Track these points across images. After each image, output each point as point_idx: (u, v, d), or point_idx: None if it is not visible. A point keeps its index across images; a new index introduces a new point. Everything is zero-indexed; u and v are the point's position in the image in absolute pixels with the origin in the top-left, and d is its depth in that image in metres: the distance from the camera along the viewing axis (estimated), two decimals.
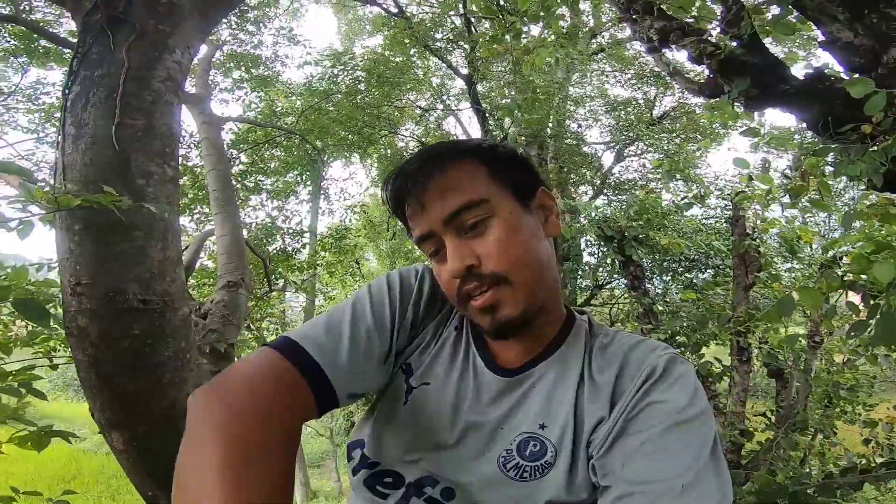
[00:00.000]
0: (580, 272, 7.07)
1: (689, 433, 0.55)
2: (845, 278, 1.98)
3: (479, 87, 6.99)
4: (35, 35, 4.38)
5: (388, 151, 8.52)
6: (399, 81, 6.65)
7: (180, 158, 2.13)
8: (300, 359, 0.58)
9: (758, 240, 3.68)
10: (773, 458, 3.15)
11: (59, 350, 2.22)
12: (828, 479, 2.69)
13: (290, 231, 5.83)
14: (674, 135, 7.43)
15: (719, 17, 1.52)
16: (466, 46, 6.54)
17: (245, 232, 4.00)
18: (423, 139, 8.62)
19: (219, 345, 1.99)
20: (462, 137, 11.20)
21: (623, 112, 8.11)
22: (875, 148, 1.54)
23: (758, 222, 3.70)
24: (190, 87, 3.56)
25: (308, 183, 6.96)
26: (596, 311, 7.65)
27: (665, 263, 6.93)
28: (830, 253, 3.74)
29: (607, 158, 9.28)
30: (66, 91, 1.20)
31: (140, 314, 1.18)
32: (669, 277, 7.36)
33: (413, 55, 7.00)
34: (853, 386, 4.13)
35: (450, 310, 0.71)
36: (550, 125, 7.41)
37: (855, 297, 2.08)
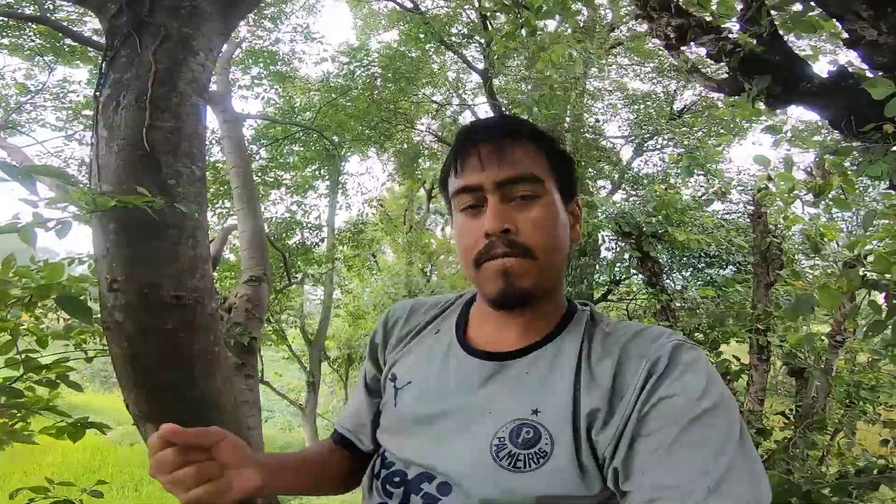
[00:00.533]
0: (598, 267, 7.03)
1: (708, 427, 0.52)
2: (866, 277, 1.95)
3: (496, 82, 6.96)
4: (60, 34, 4.51)
5: (405, 146, 8.56)
6: (415, 77, 6.67)
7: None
8: (334, 434, 0.83)
9: (780, 237, 3.62)
10: (790, 458, 3.12)
11: (88, 343, 2.32)
12: (842, 479, 2.66)
13: (309, 225, 5.93)
14: (695, 129, 7.30)
15: (739, 14, 1.50)
16: (482, 41, 6.52)
17: (265, 226, 4.09)
18: (440, 133, 8.64)
19: (242, 338, 2.06)
20: None
21: (642, 106, 7.99)
22: (892, 148, 1.52)
23: (780, 219, 3.63)
24: (211, 84, 3.64)
25: (326, 178, 7.05)
26: (613, 307, 7.60)
27: (685, 259, 6.85)
28: (855, 251, 3.64)
29: (626, 153, 9.17)
30: (97, 93, 1.24)
31: (173, 309, 1.24)
32: (689, 273, 7.27)
33: (429, 50, 7.00)
34: (874, 386, 4.05)
35: (427, 321, 0.77)
36: (568, 119, 7.35)
37: (878, 297, 2.05)
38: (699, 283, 6.92)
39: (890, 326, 1.76)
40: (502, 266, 0.62)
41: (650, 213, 3.85)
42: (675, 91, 8.18)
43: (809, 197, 2.49)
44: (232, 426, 1.40)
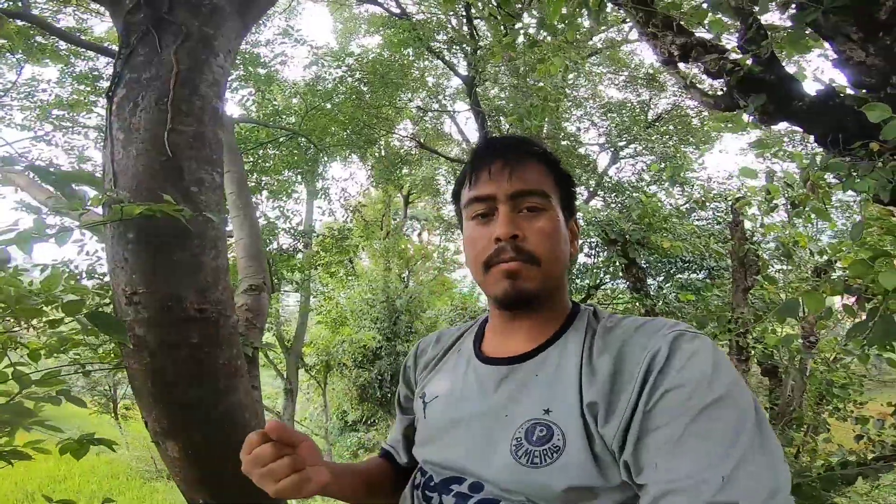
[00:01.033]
0: (576, 272, 7.17)
1: (718, 417, 0.52)
2: (847, 283, 2.07)
3: (479, 90, 7.03)
4: (32, 31, 4.30)
5: (384, 152, 8.53)
6: (402, 82, 6.68)
7: None
8: (381, 449, 0.93)
9: (757, 244, 3.80)
10: None
11: (80, 356, 2.21)
12: (830, 472, 2.80)
13: (291, 231, 5.82)
14: (667, 137, 7.55)
15: (738, 34, 1.59)
16: (468, 48, 6.58)
17: None
18: (421, 139, 8.65)
19: (245, 349, 2.01)
20: (458, 138, 11.23)
21: (618, 114, 8.22)
22: (880, 164, 1.63)
23: (757, 227, 3.82)
24: None
25: (309, 182, 6.93)
26: None
27: (660, 265, 7.06)
28: (825, 258, 3.88)
29: (602, 160, 9.41)
30: (111, 94, 1.17)
31: (197, 323, 1.21)
32: (662, 277, 7.49)
33: (409, 55, 7.01)
34: (845, 384, 4.27)
35: (451, 344, 0.84)
36: (546, 127, 7.49)
37: (848, 300, 2.16)
38: (671, 286, 7.15)
39: (870, 328, 1.88)
40: (509, 268, 0.67)
41: (635, 220, 3.97)
42: (649, 100, 8.46)
43: (789, 207, 2.64)
44: None
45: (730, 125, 1.99)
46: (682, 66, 1.98)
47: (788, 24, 1.55)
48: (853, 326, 2.03)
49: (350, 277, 9.48)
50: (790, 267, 4.46)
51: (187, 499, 1.33)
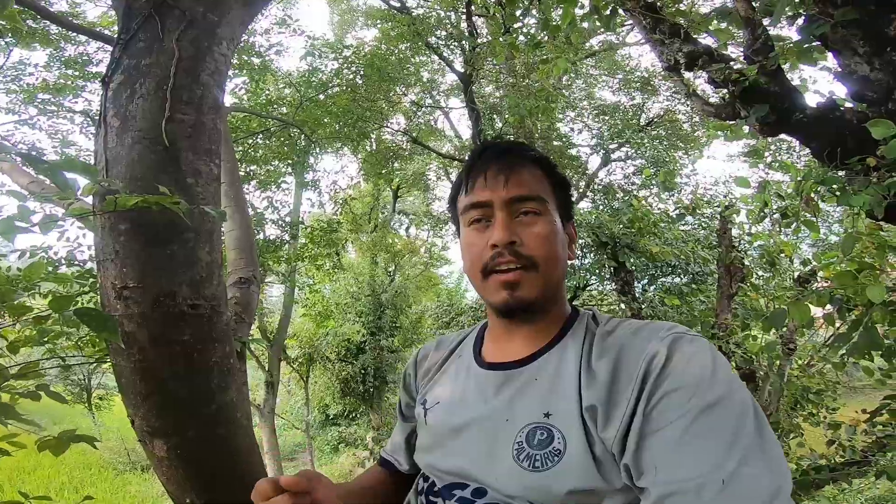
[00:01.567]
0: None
1: (717, 418, 0.52)
2: (833, 294, 2.10)
3: (473, 87, 7.00)
4: (23, 14, 4.16)
5: (376, 145, 8.45)
6: (399, 76, 6.62)
7: None
8: (379, 458, 0.92)
9: (743, 252, 3.86)
10: None
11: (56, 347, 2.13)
12: (804, 476, 2.87)
13: (279, 221, 5.73)
14: (657, 141, 7.64)
15: (745, 45, 1.59)
16: (466, 45, 6.54)
17: None
18: (414, 134, 8.59)
19: (234, 343, 1.96)
20: (450, 134, 11.18)
21: (610, 117, 8.28)
22: (876, 180, 1.65)
23: (744, 235, 3.88)
24: None
25: (299, 173, 6.83)
26: None
27: (644, 267, 7.15)
28: (808, 268, 3.98)
29: (593, 162, 9.47)
30: (107, 79, 1.12)
31: (190, 318, 1.16)
32: (646, 280, 7.59)
33: (406, 50, 6.94)
34: (820, 390, 4.39)
35: (451, 351, 0.84)
36: (540, 127, 7.50)
37: (828, 309, 2.21)
38: (655, 289, 7.25)
39: (854, 339, 1.91)
40: (507, 279, 0.67)
41: (625, 224, 4.00)
42: (642, 104, 8.53)
43: (777, 216, 2.68)
44: (246, 440, 1.34)
45: (728, 133, 2.00)
46: (685, 74, 1.98)
47: (795, 35, 1.56)
48: (837, 336, 2.07)
49: (336, 270, 9.39)
50: (773, 275, 4.57)
51: (173, 499, 1.28)
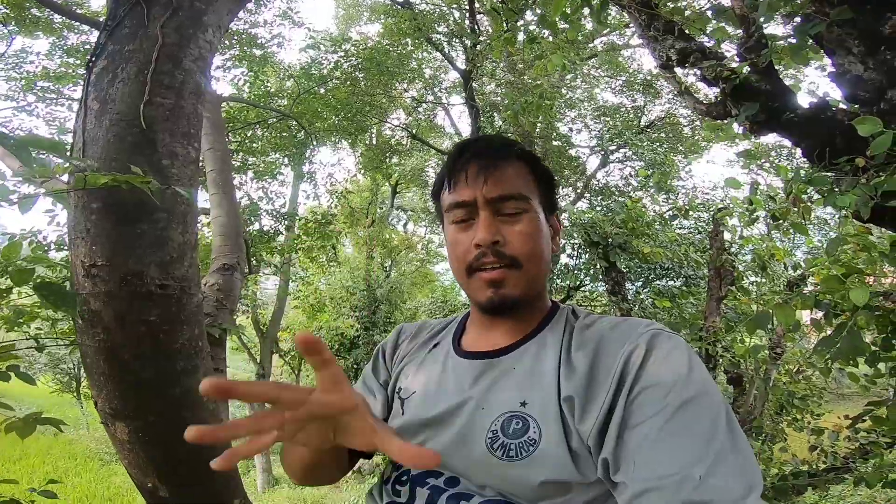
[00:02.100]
0: (558, 272, 7.22)
1: (694, 415, 0.52)
2: (818, 298, 2.09)
3: (474, 84, 6.98)
4: (28, 3, 4.18)
5: (375, 140, 8.42)
6: (398, 71, 6.61)
7: None
8: None
9: (734, 255, 3.87)
10: None
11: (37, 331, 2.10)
12: (782, 481, 2.87)
13: (274, 212, 5.71)
14: (656, 145, 7.64)
15: (738, 42, 1.57)
16: (468, 42, 6.53)
17: None
18: (413, 130, 8.57)
19: (212, 329, 1.94)
20: (450, 131, 11.16)
21: (611, 118, 8.26)
22: (864, 181, 1.64)
23: (736, 238, 3.88)
24: None
25: (294, 165, 6.81)
26: None
27: (639, 271, 7.15)
28: (798, 272, 3.98)
29: (592, 162, 9.46)
30: (90, 63, 1.14)
31: (158, 299, 1.15)
32: (641, 283, 7.60)
33: (408, 45, 6.92)
34: (805, 395, 4.40)
35: (430, 337, 0.82)
36: (539, 126, 7.49)
37: (816, 314, 2.20)
38: (649, 292, 7.25)
39: (837, 343, 1.91)
40: (491, 277, 0.68)
41: (618, 224, 3.99)
42: (643, 105, 8.52)
43: (769, 220, 2.66)
44: (214, 421, 1.32)
45: (720, 133, 1.98)
46: (679, 71, 1.96)
47: (789, 34, 1.54)
48: (821, 340, 2.06)
49: (332, 264, 9.36)
50: (764, 280, 4.57)
51: (135, 482, 1.27)
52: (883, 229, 1.89)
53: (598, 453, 0.56)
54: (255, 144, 6.03)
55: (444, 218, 0.75)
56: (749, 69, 1.59)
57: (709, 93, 2.03)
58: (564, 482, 0.57)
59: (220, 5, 1.24)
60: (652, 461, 0.51)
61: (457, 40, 7.10)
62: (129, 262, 1.11)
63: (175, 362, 1.20)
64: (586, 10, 1.80)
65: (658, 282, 7.42)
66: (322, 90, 6.19)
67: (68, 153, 1.11)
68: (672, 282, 7.16)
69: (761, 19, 1.42)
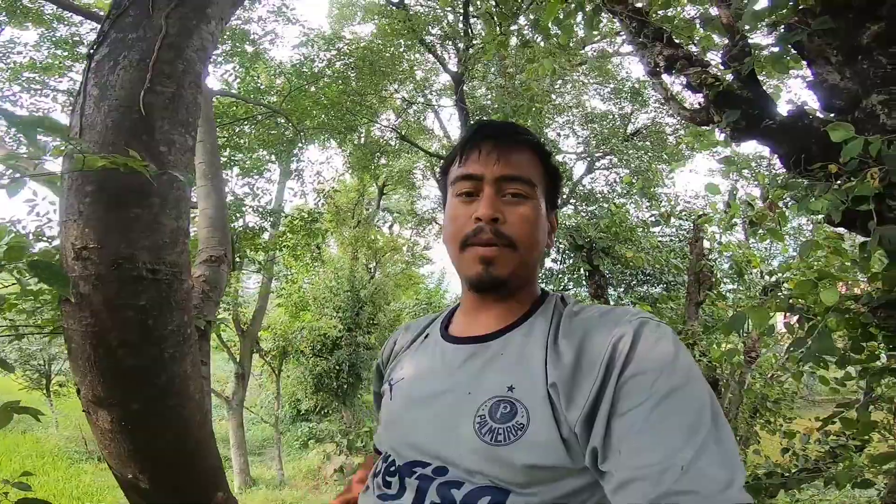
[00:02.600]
0: (542, 276, 7.29)
1: (679, 404, 0.53)
2: (791, 301, 2.16)
3: (465, 87, 7.02)
4: None
5: (364, 140, 8.40)
6: (390, 71, 6.61)
7: None
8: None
9: (713, 261, 3.97)
10: None
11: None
12: (755, 482, 2.95)
13: (259, 209, 5.64)
14: (642, 153, 7.78)
15: (723, 50, 1.63)
16: (461, 44, 6.57)
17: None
18: (402, 131, 8.57)
19: (198, 322, 1.92)
20: (439, 133, 11.19)
21: (598, 125, 8.39)
22: (836, 186, 1.72)
23: (715, 244, 3.99)
24: None
25: (283, 163, 6.75)
26: None
27: (620, 276, 7.27)
28: (773, 278, 4.11)
29: (578, 168, 9.58)
30: (92, 51, 1.14)
31: (148, 284, 1.14)
32: (623, 289, 7.72)
33: (401, 46, 6.94)
34: (778, 399, 4.53)
35: (420, 332, 0.84)
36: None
37: (790, 319, 2.28)
38: (630, 297, 7.37)
39: (809, 344, 1.98)
40: (484, 254, 0.68)
41: (602, 229, 4.06)
42: (630, 113, 8.67)
43: (748, 226, 2.75)
44: (197, 414, 1.31)
45: (702, 139, 2.05)
46: (666, 79, 2.02)
47: (772, 43, 1.60)
48: (793, 342, 2.13)
49: (316, 263, 9.28)
50: (741, 286, 4.70)
51: (115, 474, 1.25)
52: (855, 235, 1.98)
53: (586, 442, 0.56)
54: (241, 140, 5.98)
55: (449, 190, 0.76)
56: (732, 77, 1.65)
57: (693, 100, 2.10)
58: (553, 467, 0.57)
59: None
60: (637, 450, 0.52)
61: (449, 43, 7.14)
62: (121, 246, 1.10)
63: (162, 348, 1.19)
64: (578, 17, 1.85)
65: (640, 287, 7.54)
66: (313, 88, 6.16)
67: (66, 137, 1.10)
68: (653, 288, 7.29)
69: (746, 28, 1.48)
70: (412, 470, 0.66)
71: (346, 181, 12.71)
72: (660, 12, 1.78)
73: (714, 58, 1.76)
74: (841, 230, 1.90)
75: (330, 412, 12.20)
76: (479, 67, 6.50)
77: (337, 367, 11.48)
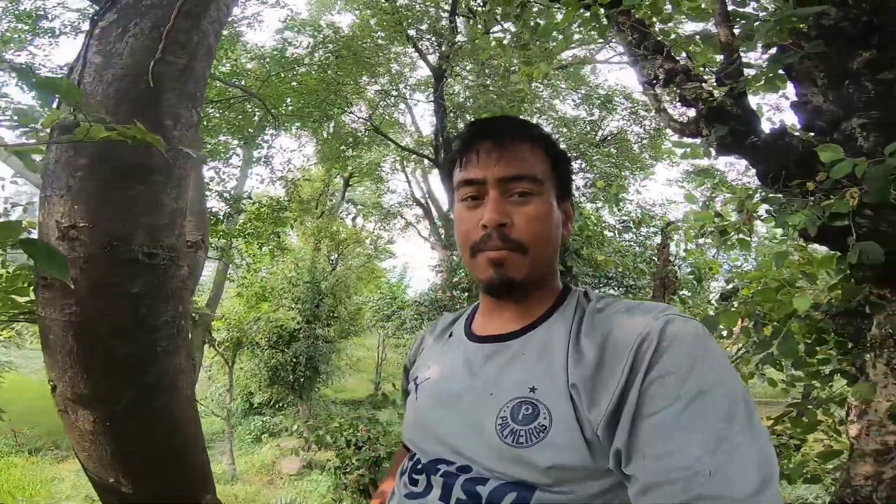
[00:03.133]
0: None
1: (709, 406, 0.51)
2: (749, 307, 2.30)
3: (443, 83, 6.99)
4: None
5: (335, 130, 8.21)
6: (374, 62, 6.47)
7: None
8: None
9: (678, 267, 4.16)
10: None
11: None
12: None
13: (223, 194, 5.39)
14: (610, 158, 8.03)
15: (718, 67, 1.70)
16: (445, 40, 6.51)
17: None
18: (376, 123, 8.43)
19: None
20: (411, 129, 11.09)
21: (568, 129, 8.58)
22: (811, 203, 1.84)
23: (681, 251, 4.18)
24: None
25: (248, 148, 6.47)
26: None
27: (585, 279, 7.49)
28: (731, 285, 4.36)
29: None
30: (96, 17, 1.05)
31: (144, 269, 1.06)
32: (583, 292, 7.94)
33: (383, 37, 6.80)
34: None
35: (445, 328, 0.83)
36: None
37: (744, 324, 2.41)
38: None
39: (774, 346, 2.11)
40: (495, 257, 0.66)
41: (576, 232, 4.16)
42: (600, 120, 8.90)
43: (717, 234, 2.89)
44: (188, 413, 1.23)
45: (689, 150, 2.13)
46: (659, 90, 2.08)
47: (763, 62, 1.68)
48: (759, 343, 2.26)
49: (277, 252, 8.96)
50: (699, 291, 4.95)
51: (92, 478, 1.14)
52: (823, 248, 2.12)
53: (609, 444, 0.55)
54: (208, 124, 5.69)
55: (455, 195, 0.73)
56: (724, 93, 1.72)
57: (679, 113, 2.18)
58: (576, 468, 0.56)
59: None
60: (664, 454, 0.50)
61: (431, 37, 7.05)
62: (116, 225, 1.02)
63: (155, 340, 1.11)
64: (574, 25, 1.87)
65: (603, 289, 7.80)
66: (291, 74, 5.94)
67: (57, 105, 0.99)
68: (614, 291, 7.56)
69: (743, 48, 1.55)
70: (437, 467, 0.66)
71: (311, 171, 12.36)
72: (659, 26, 1.83)
73: (706, 74, 1.83)
74: (815, 245, 2.02)
75: (285, 406, 11.87)
76: (465, 63, 6.48)
77: (294, 360, 11.18)
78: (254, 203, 5.75)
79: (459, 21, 6.70)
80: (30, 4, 5.35)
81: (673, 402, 0.52)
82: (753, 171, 2.10)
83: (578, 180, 9.01)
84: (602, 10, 1.73)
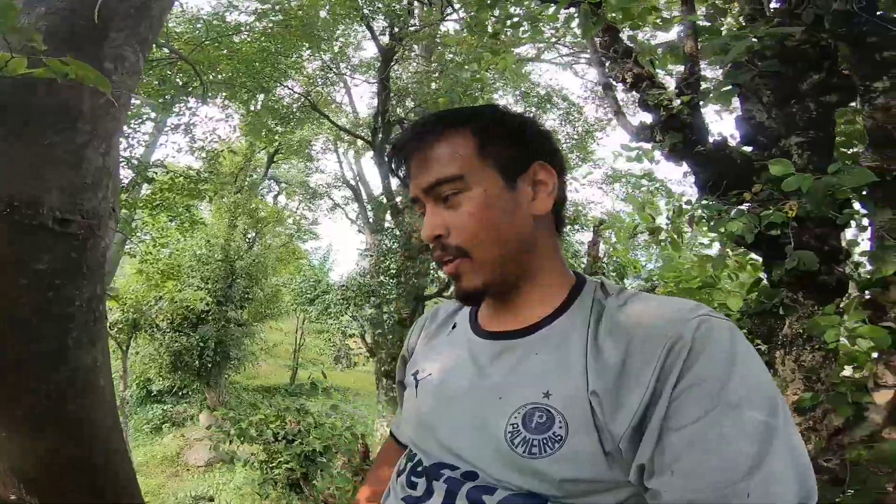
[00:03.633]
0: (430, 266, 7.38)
1: (743, 417, 0.47)
2: None
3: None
4: None
5: (266, 103, 7.60)
6: (321, 36, 5.99)
7: None
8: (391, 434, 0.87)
9: (606, 264, 4.41)
10: None
11: None
12: None
13: (131, 160, 4.74)
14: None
15: (679, 77, 1.77)
16: (401, 21, 6.22)
17: None
18: (313, 100, 7.93)
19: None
20: (348, 109, 10.60)
21: None
22: (746, 211, 2.00)
23: (609, 249, 4.42)
24: None
25: (165, 113, 5.72)
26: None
27: None
28: (649, 283, 4.72)
29: None
30: None
31: (54, 239, 0.85)
32: None
33: (335, 12, 6.33)
34: None
35: (447, 317, 0.77)
36: None
37: None
38: None
39: None
40: (447, 271, 0.64)
41: None
42: (538, 118, 9.13)
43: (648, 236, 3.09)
44: (107, 418, 1.03)
45: (638, 154, 2.22)
46: (620, 94, 2.13)
47: (719, 77, 1.77)
48: None
49: (186, 227, 8.09)
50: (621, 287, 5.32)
51: None
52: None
53: (632, 457, 0.51)
54: None
55: None
56: (681, 102, 1.80)
57: (633, 114, 2.25)
58: (593, 480, 0.53)
59: None
60: (693, 470, 0.47)
61: (384, 18, 6.72)
62: (20, 183, 0.80)
63: (67, 330, 0.90)
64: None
65: None
66: (228, 40, 5.31)
67: None
68: None
69: (708, 58, 1.62)
70: (440, 472, 0.61)
71: (234, 143, 11.40)
72: (628, 32, 1.87)
73: (665, 81, 1.90)
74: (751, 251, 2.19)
75: (190, 393, 10.96)
76: (410, 50, 6.26)
77: (201, 344, 10.34)
78: (167, 173, 5.10)
79: (416, 4, 6.47)
80: None
81: (705, 414, 0.48)
82: (692, 178, 2.25)
83: None
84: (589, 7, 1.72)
